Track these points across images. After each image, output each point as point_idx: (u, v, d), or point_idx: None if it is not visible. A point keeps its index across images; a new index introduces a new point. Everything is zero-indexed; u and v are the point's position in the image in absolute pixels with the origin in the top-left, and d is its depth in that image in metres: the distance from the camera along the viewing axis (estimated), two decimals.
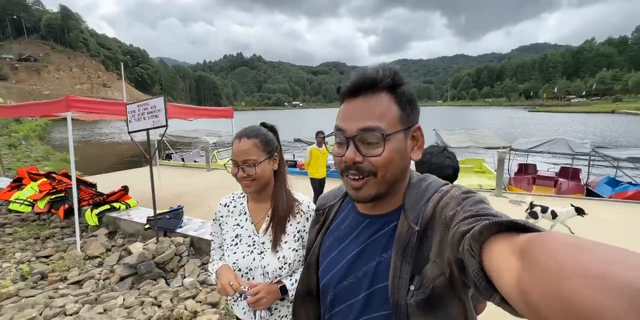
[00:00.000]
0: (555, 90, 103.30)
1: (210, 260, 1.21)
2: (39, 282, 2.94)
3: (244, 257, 1.05)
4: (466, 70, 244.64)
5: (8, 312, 2.34)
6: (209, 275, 1.08)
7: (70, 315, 2.42)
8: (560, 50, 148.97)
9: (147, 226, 3.84)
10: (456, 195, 0.55)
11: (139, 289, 2.86)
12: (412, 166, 0.65)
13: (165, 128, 3.17)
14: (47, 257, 3.46)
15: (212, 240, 1.21)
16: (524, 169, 9.18)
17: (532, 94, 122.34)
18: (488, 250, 0.39)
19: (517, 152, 8.57)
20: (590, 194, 7.20)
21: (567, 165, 8.41)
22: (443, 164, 1.34)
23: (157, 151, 9.68)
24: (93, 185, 5.50)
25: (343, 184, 0.70)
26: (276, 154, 1.09)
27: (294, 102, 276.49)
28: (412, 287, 0.55)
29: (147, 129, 3.28)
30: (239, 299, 1.04)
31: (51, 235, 4.10)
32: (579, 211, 3.89)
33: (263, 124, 1.13)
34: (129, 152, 18.78)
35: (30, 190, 5.29)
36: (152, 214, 3.72)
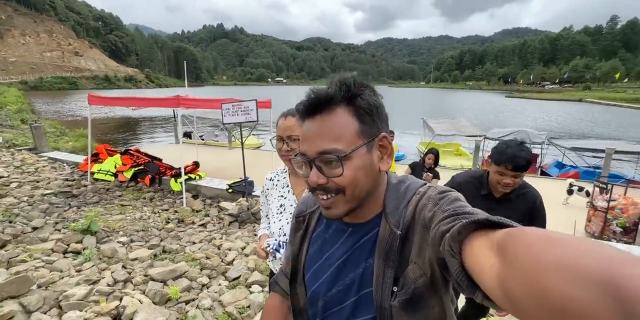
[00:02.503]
0: (532, 77, 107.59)
1: (260, 225, 1.42)
2: (179, 224, 4.43)
3: (287, 222, 1.21)
4: (450, 52, 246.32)
5: (184, 238, 3.86)
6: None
7: (214, 243, 3.96)
8: (540, 37, 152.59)
9: (230, 190, 5.33)
10: (432, 195, 0.56)
11: (245, 229, 4.42)
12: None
13: (256, 123, 4.59)
14: (166, 210, 4.91)
15: (261, 209, 1.43)
16: None
17: (510, 80, 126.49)
18: (468, 248, 0.41)
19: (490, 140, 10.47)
20: (543, 174, 9.23)
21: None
22: (517, 154, 1.47)
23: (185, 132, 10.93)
24: (160, 159, 6.82)
25: None
26: None
27: (277, 78, 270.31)
28: (395, 289, 0.56)
29: (241, 123, 4.69)
30: (273, 255, 1.26)
31: (151, 197, 5.51)
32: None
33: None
34: (124, 128, 19.49)
35: (111, 163, 6.55)
36: (227, 182, 5.21)
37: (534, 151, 10.73)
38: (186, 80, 7.03)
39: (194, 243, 3.71)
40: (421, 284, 0.54)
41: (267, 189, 1.35)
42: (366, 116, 0.57)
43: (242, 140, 5.02)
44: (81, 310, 2.12)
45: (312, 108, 0.58)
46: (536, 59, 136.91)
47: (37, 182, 5.52)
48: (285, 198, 1.28)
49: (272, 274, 1.39)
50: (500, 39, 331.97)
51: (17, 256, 2.75)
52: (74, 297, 2.20)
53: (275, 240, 1.25)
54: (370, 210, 0.63)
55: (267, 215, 1.39)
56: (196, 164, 6.26)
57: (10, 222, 3.53)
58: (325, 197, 0.59)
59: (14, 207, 4.10)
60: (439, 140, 10.53)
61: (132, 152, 6.72)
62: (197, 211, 4.97)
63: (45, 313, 2.07)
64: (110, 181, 6.28)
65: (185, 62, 10.24)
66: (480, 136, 9.25)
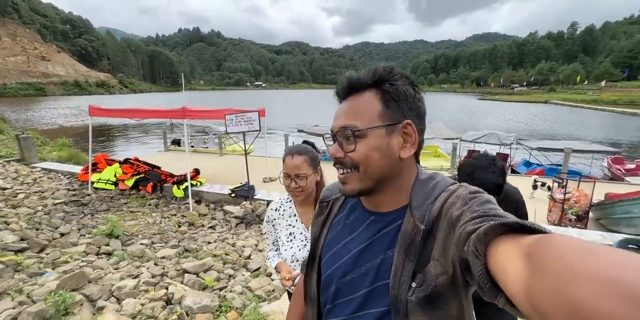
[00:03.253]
0: (502, 80, 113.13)
1: (266, 254, 1.46)
2: (190, 227, 4.78)
3: (299, 249, 1.30)
4: (425, 56, 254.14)
5: (199, 239, 4.23)
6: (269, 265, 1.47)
7: (229, 241, 4.36)
8: (508, 42, 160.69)
9: (233, 194, 5.71)
10: (463, 195, 0.55)
11: (252, 229, 4.84)
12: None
13: (258, 132, 5.03)
14: (174, 215, 5.24)
15: (266, 237, 1.45)
16: (471, 154, 12.08)
17: (482, 82, 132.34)
18: (493, 251, 0.39)
19: (466, 142, 11.36)
20: (513, 172, 10.15)
21: (500, 151, 11.39)
22: (486, 179, 1.29)
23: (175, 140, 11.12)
24: (159, 167, 7.08)
25: None
26: (319, 167, 1.32)
27: (256, 83, 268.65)
28: (413, 284, 0.56)
29: (244, 132, 5.11)
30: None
31: (156, 204, 5.80)
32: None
33: (306, 142, 1.40)
34: (106, 136, 19.21)
35: (110, 172, 6.75)
36: (228, 187, 5.61)
37: (505, 151, 11.77)
38: (184, 85, 7.28)
39: (209, 243, 4.10)
40: (442, 282, 0.54)
41: (274, 219, 1.39)
42: (391, 101, 0.60)
43: (245, 148, 5.44)
44: (135, 298, 2.50)
45: (345, 91, 0.64)
46: (505, 63, 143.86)
47: (42, 192, 5.68)
48: (294, 227, 1.34)
49: (290, 294, 1.43)
50: (471, 43, 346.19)
51: (58, 258, 3.07)
52: (126, 287, 2.58)
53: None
54: (394, 201, 0.64)
55: (273, 243, 1.43)
56: (197, 171, 6.58)
57: (37, 229, 3.78)
58: (342, 171, 0.63)
59: (33, 216, 4.32)
60: None
61: (132, 161, 6.95)
62: (203, 215, 5.32)
63: (105, 301, 2.44)
64: (110, 190, 6.49)
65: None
66: (456, 139, 10.08)
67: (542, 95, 65.69)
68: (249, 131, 4.97)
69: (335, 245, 0.71)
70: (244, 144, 5.53)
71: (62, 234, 3.76)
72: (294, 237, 1.33)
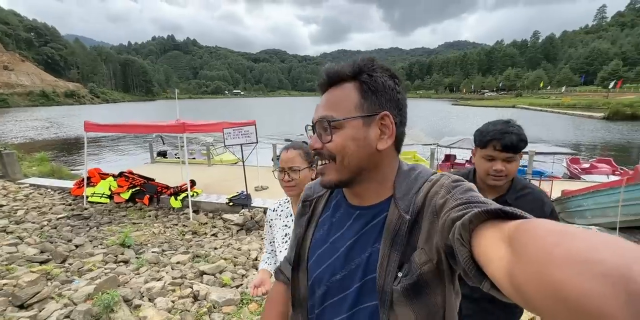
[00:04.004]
0: (473, 86, 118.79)
1: (262, 253, 1.47)
2: (194, 235, 5.06)
3: None
4: (400, 63, 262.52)
5: (206, 245, 4.54)
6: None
7: (234, 246, 4.70)
8: (477, 49, 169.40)
9: (231, 203, 6.03)
10: (446, 183, 0.56)
11: (253, 235, 5.18)
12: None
13: (255, 144, 5.41)
14: (175, 225, 5.49)
15: (265, 238, 1.48)
16: (448, 158, 12.90)
17: (455, 88, 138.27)
18: (477, 238, 0.40)
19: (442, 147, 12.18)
20: None
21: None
22: (505, 130, 1.22)
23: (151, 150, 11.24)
24: (153, 180, 7.26)
25: None
26: (315, 165, 1.20)
27: (234, 91, 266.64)
28: (399, 274, 0.56)
29: (241, 144, 5.48)
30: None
31: (155, 215, 6.01)
32: None
33: (304, 142, 1.35)
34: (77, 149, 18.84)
35: (105, 185, 6.88)
36: (225, 197, 5.93)
37: None
38: (176, 94, 7.53)
39: (215, 248, 4.42)
40: (427, 270, 0.54)
41: (271, 220, 1.40)
42: (369, 92, 0.60)
43: (243, 159, 5.80)
44: (165, 297, 2.83)
45: (325, 83, 0.64)
46: (475, 69, 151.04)
47: (39, 208, 5.77)
48: (289, 227, 1.32)
49: None
50: (443, 51, 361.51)
51: (82, 267, 3.32)
52: (154, 288, 2.90)
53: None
54: (377, 194, 0.64)
55: (270, 243, 1.43)
56: (192, 182, 6.84)
57: (51, 242, 3.96)
58: (320, 162, 0.63)
59: (42, 231, 4.47)
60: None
61: (126, 174, 7.10)
62: (204, 224, 5.61)
63: (139, 300, 2.75)
64: (106, 203, 6.63)
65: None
66: (433, 144, 10.83)
67: (509, 100, 69.60)
68: (246, 143, 5.34)
69: (322, 244, 0.69)
70: (242, 155, 5.89)
71: (77, 246, 3.97)
72: (289, 239, 1.30)
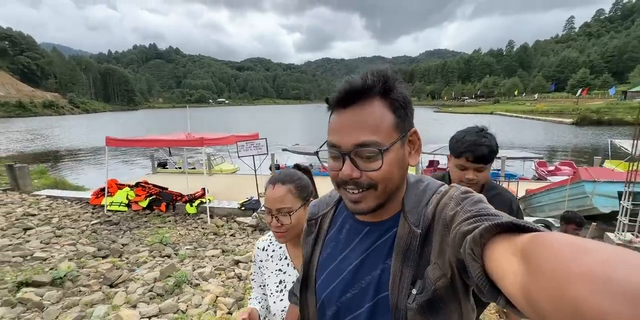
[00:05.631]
0: (453, 93, 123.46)
1: (249, 296, 1.25)
2: (214, 235, 5.79)
3: None
4: None
5: (229, 243, 5.28)
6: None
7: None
8: (457, 58, 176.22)
9: (242, 208, 6.78)
10: (455, 195, 0.55)
11: (267, 234, 5.95)
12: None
13: (266, 155, 6.23)
14: (195, 228, 6.19)
15: (253, 279, 1.25)
16: (432, 163, 14.05)
17: (436, 96, 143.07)
18: (490, 252, 0.39)
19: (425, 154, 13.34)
20: None
21: None
22: (477, 142, 1.29)
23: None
24: (166, 188, 7.91)
25: (335, 192, 0.73)
26: (311, 199, 1.06)
27: (219, 99, 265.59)
28: (414, 291, 0.54)
29: (253, 155, 6.28)
30: None
31: (175, 220, 6.69)
32: None
33: (297, 166, 1.13)
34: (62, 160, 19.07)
35: (122, 195, 7.50)
36: (236, 202, 6.71)
37: None
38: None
39: (238, 245, 5.18)
40: (441, 285, 0.53)
41: (260, 261, 1.18)
42: (401, 110, 0.57)
43: (255, 168, 6.60)
44: (215, 278, 3.60)
45: (348, 98, 0.56)
46: (456, 77, 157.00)
47: (69, 216, 6.36)
48: (285, 273, 1.11)
49: None
50: (425, 59, 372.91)
51: (137, 260, 4.04)
52: (205, 273, 3.67)
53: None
54: (388, 209, 0.62)
55: (260, 286, 1.21)
56: (204, 190, 7.56)
57: (96, 241, 4.63)
58: (355, 191, 0.58)
59: (83, 234, 5.11)
60: None
61: (143, 184, 7.75)
62: (220, 226, 6.34)
63: (196, 280, 3.51)
64: (124, 211, 7.25)
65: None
66: None
67: (488, 107, 72.94)
68: (258, 154, 6.15)
69: (331, 263, 0.67)
70: (254, 164, 6.70)
71: (123, 245, 4.66)
72: (285, 287, 1.09)
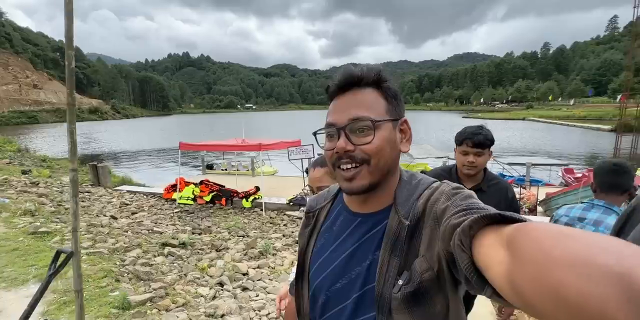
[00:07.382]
0: (483, 98, 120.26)
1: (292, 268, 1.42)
2: (271, 224, 6.99)
3: None
4: (410, 75, 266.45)
5: (285, 230, 6.45)
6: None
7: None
8: (487, 62, 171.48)
9: (291, 203, 7.96)
10: (446, 190, 0.58)
11: None
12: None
13: (312, 158, 7.37)
14: (253, 219, 7.43)
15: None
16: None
17: (464, 101, 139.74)
18: (478, 243, 0.40)
19: (451, 159, 14.00)
20: None
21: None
22: (476, 131, 1.59)
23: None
24: (224, 186, 9.27)
25: (333, 187, 0.81)
26: None
27: (247, 105, 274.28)
28: (400, 281, 0.57)
29: (302, 158, 7.44)
30: None
31: (235, 213, 7.98)
32: None
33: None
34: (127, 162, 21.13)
35: (189, 190, 8.93)
36: (285, 198, 7.92)
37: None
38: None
39: (293, 232, 6.32)
40: (427, 277, 0.55)
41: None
42: (392, 99, 0.64)
43: (303, 169, 7.77)
44: (285, 251, 4.74)
45: (344, 85, 0.64)
46: (486, 82, 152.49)
47: (153, 206, 7.83)
48: None
49: None
50: (453, 63, 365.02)
51: (224, 237, 5.29)
52: (277, 246, 4.82)
53: None
54: (380, 201, 0.66)
55: None
56: (257, 188, 8.84)
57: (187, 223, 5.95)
58: (350, 166, 0.62)
59: (172, 219, 6.49)
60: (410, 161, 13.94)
61: (205, 182, 9.18)
62: (273, 218, 7.55)
63: (272, 250, 4.67)
64: (191, 204, 8.66)
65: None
66: (444, 157, 12.69)
67: (520, 112, 70.71)
68: (305, 158, 7.31)
69: (323, 253, 0.71)
70: (302, 166, 7.86)
71: (207, 226, 5.96)
72: None
